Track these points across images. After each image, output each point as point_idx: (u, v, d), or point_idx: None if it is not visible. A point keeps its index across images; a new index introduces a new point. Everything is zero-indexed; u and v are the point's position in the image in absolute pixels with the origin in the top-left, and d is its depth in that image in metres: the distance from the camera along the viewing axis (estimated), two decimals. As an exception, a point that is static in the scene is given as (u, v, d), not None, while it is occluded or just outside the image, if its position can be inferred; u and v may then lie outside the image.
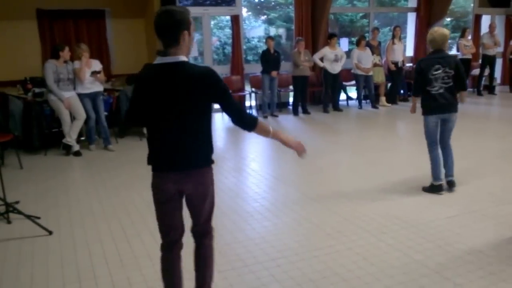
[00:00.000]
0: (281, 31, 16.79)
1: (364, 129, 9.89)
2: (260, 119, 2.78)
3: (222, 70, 12.12)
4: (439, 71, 5.18)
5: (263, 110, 10.98)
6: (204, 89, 2.64)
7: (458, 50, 12.79)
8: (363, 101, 11.95)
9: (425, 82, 5.27)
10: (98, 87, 8.04)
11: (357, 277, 3.66)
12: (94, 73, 7.82)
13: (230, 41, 11.96)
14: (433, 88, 5.24)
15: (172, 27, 2.61)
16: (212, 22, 14.88)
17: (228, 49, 13.66)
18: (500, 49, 13.78)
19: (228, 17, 11.94)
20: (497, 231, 4.44)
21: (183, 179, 2.77)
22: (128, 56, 10.18)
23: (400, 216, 4.81)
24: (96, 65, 7.99)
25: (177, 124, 2.68)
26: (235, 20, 11.35)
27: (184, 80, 2.63)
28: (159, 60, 2.68)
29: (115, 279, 3.73)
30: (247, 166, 7.03)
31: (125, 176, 6.59)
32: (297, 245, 4.24)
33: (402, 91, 12.63)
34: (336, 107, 11.50)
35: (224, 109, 2.77)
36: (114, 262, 4.01)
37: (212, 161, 2.85)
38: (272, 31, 16.70)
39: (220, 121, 10.75)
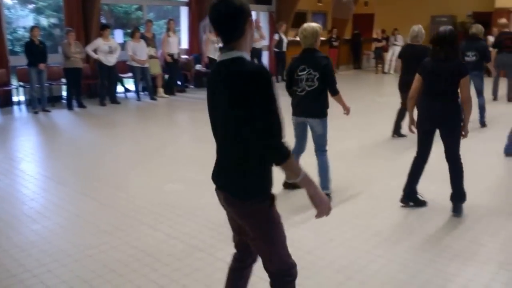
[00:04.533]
0: (53, 21, 15.78)
1: (143, 121, 9.83)
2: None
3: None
4: (304, 73, 4.78)
5: (32, 105, 10.16)
6: (250, 93, 2.16)
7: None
8: (141, 93, 11.88)
9: (292, 82, 4.92)
10: None
11: (133, 270, 3.62)
12: None
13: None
14: (298, 89, 4.86)
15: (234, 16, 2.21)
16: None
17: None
18: (266, 42, 14.91)
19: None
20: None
21: (222, 197, 2.41)
22: None
23: (178, 205, 4.90)
24: None
25: (224, 134, 2.32)
26: (-5, 8, 10.30)
27: (231, 79, 2.21)
28: (219, 56, 2.34)
29: None
30: (15, 167, 6.45)
31: None
32: (70, 246, 4.02)
33: (179, 83, 12.89)
34: (114, 100, 11.21)
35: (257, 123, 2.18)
36: None
37: (257, 195, 2.31)
38: (43, 21, 15.59)
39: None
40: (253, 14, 15.34)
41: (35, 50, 9.81)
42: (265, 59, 15.55)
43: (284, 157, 2.17)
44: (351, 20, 19.10)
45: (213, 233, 4.23)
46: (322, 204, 2.30)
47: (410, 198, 4.84)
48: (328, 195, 4.73)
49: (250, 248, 2.54)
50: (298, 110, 4.92)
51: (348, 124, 7.48)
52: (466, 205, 4.66)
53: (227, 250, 3.87)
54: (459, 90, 4.41)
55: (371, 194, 5.20)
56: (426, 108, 4.56)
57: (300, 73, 4.78)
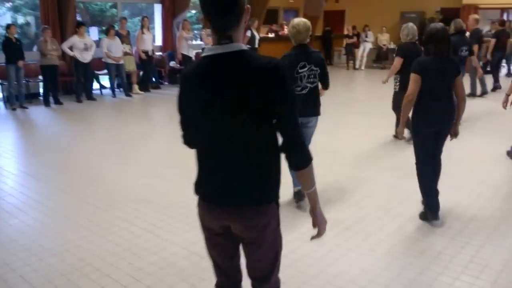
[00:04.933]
0: (30, 19, 15.70)
1: (118, 117, 9.94)
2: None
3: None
4: (304, 69, 4.51)
5: (10, 102, 10.20)
6: (270, 92, 1.93)
7: (201, 40, 13.64)
8: (116, 90, 11.96)
9: None
10: None
11: (110, 264, 3.75)
12: None
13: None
14: (297, 87, 4.52)
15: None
16: None
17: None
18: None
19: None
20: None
21: (230, 216, 2.10)
22: None
23: (153, 200, 5.04)
24: None
25: (234, 140, 2.01)
26: (-30, 6, 10.25)
27: (247, 77, 1.93)
28: (213, 49, 1.96)
29: None
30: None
31: None
32: (47, 240, 4.14)
33: (153, 79, 12.98)
34: (90, 96, 11.29)
35: (278, 123, 2.02)
36: None
37: (275, 198, 2.14)
38: (20, 19, 15.50)
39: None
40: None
41: (13, 48, 9.82)
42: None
43: (310, 159, 2.06)
44: (322, 16, 19.33)
45: (188, 227, 4.38)
46: (324, 223, 2.19)
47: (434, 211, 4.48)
48: (300, 192, 4.72)
49: (239, 275, 2.38)
50: (300, 110, 4.57)
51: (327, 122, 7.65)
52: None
53: (202, 244, 4.02)
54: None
55: (341, 188, 5.40)
56: (427, 109, 4.28)
57: (300, 71, 4.48)
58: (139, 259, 3.82)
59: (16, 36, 10.03)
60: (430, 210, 4.48)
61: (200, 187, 2.16)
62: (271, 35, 16.85)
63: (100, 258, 3.85)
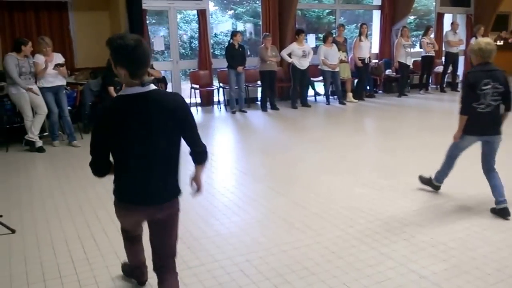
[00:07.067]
0: (249, 26, 16.79)
1: (332, 125, 9.97)
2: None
3: (189, 65, 12.03)
4: (488, 87, 4.60)
5: (231, 105, 10.96)
6: (178, 121, 2.71)
7: (421, 47, 13.07)
8: (330, 97, 12.05)
9: (473, 98, 4.67)
10: (61, 81, 7.83)
11: (325, 270, 3.69)
12: (57, 66, 7.63)
13: (197, 35, 11.87)
14: (480, 105, 4.66)
15: (149, 56, 2.68)
16: (179, 16, 14.79)
17: (196, 43, 13.60)
18: (463, 47, 14.05)
19: (194, 11, 11.85)
20: (458, 224, 4.54)
21: (154, 212, 2.82)
22: (92, 50, 9.80)
23: (366, 210, 4.87)
24: (59, 58, 7.77)
25: (151, 156, 2.69)
26: (202, 15, 11.27)
27: (169, 108, 2.66)
28: (136, 90, 2.62)
29: (81, 278, 3.66)
30: (214, 161, 7.00)
31: (90, 172, 6.44)
32: (265, 239, 4.24)
33: (368, 87, 12.81)
34: (305, 103, 11.56)
35: (188, 138, 2.83)
36: (80, 260, 3.94)
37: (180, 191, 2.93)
38: (240, 26, 16.68)
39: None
40: (450, 16, 14.71)
41: (235, 54, 10.54)
42: (461, 64, 14.61)
43: (207, 156, 2.95)
44: None
45: (405, 243, 4.12)
46: (202, 185, 3.07)
47: None
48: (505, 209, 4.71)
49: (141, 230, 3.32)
50: (480, 128, 4.74)
51: None
52: None
53: (421, 263, 3.78)
54: None
55: None
56: None
57: (484, 88, 4.60)
58: (355, 270, 3.68)
59: (240, 43, 10.73)
60: None
61: (123, 192, 2.85)
62: (500, 42, 15.42)
63: (315, 263, 3.80)
